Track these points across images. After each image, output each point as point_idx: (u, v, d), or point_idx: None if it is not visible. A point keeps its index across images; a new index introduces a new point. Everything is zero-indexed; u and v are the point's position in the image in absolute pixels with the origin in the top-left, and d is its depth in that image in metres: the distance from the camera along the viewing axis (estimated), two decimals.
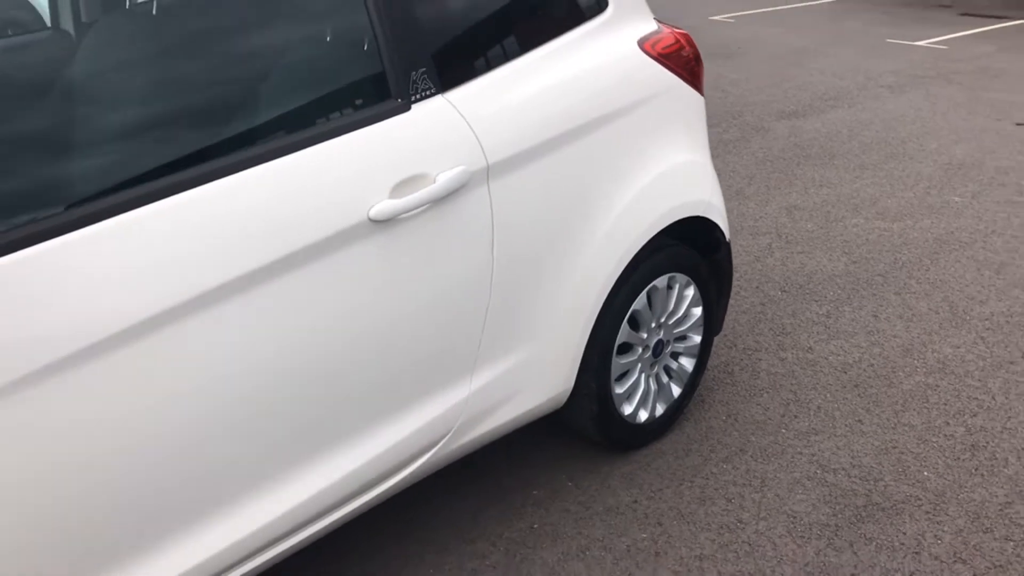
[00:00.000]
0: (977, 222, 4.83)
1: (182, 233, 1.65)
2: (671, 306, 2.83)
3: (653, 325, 2.79)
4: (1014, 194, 5.26)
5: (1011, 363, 3.43)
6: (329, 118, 1.91)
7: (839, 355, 3.48)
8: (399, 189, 1.96)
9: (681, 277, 2.82)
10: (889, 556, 2.48)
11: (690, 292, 2.89)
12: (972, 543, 2.52)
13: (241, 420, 1.79)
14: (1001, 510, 2.65)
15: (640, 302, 2.69)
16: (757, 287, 4.06)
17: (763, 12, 11.75)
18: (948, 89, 7.80)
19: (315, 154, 1.85)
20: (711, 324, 3.01)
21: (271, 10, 1.87)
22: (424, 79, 2.07)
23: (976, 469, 2.83)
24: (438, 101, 2.09)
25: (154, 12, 1.77)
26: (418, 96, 2.06)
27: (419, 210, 2.00)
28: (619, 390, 2.75)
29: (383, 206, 1.92)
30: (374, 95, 1.99)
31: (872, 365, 3.42)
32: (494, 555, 2.48)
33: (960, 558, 2.47)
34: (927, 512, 2.65)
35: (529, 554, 2.48)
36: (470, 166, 2.09)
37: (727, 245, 2.97)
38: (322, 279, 1.85)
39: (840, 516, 2.63)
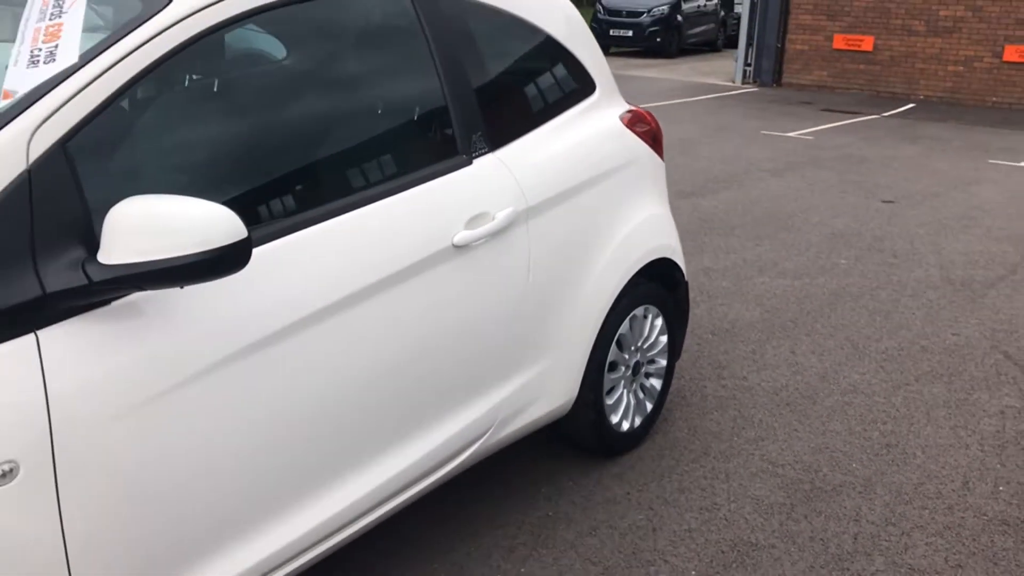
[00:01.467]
0: (862, 279, 5.65)
1: (334, 249, 2.16)
2: (645, 332, 3.43)
3: (633, 348, 3.38)
4: (889, 257, 6.13)
5: (907, 384, 4.15)
6: (420, 169, 2.46)
7: (769, 382, 4.14)
8: (471, 223, 2.52)
9: (652, 308, 3.43)
10: (836, 523, 3.08)
11: (659, 322, 3.50)
12: (898, 511, 3.16)
13: (365, 402, 2.27)
14: (916, 488, 3.31)
15: (625, 327, 3.28)
16: (691, 331, 4.71)
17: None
18: (821, 173, 8.83)
19: (413, 195, 2.39)
20: (674, 350, 3.62)
21: (386, 90, 2.43)
22: (480, 140, 2.65)
23: (892, 461, 3.50)
24: (490, 157, 2.67)
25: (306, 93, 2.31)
26: (476, 153, 2.63)
27: (483, 240, 2.55)
28: (609, 401, 3.31)
29: (462, 235, 2.47)
30: (448, 152, 2.56)
31: (797, 389, 4.09)
32: (521, 535, 2.98)
33: (890, 522, 3.10)
34: (860, 492, 3.28)
35: (550, 534, 2.99)
36: (516, 207, 2.66)
37: (685, 284, 3.60)
38: (420, 291, 2.37)
39: (793, 497, 3.23)
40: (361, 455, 2.31)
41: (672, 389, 3.97)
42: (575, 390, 3.11)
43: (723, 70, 17.79)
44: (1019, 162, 9.66)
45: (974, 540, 3.00)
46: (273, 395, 2.04)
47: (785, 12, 15.41)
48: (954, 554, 2.93)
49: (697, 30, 21.49)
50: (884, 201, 7.77)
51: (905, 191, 8.12)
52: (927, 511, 3.16)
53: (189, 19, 1.97)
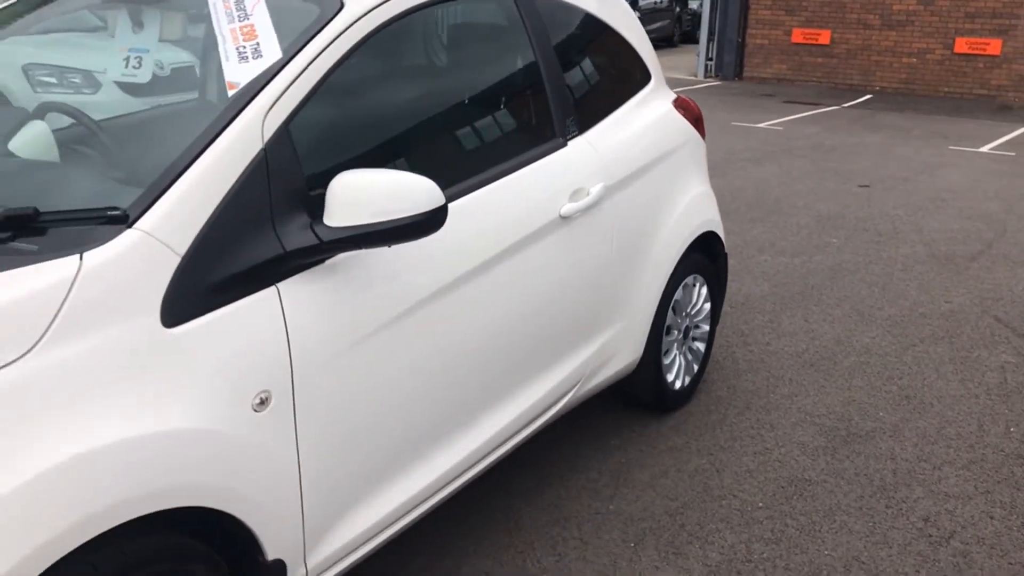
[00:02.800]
0: (855, 256, 6.09)
1: (481, 215, 2.49)
2: (694, 299, 3.81)
3: (684, 313, 3.75)
4: (875, 236, 6.58)
5: (914, 345, 4.58)
6: (532, 149, 2.80)
7: (791, 347, 4.54)
8: (572, 197, 2.87)
9: (699, 277, 3.80)
10: (875, 462, 3.48)
11: (704, 290, 3.87)
12: (926, 451, 3.57)
13: (503, 346, 2.62)
14: (938, 431, 3.73)
15: (679, 294, 3.65)
16: None
17: None
18: (796, 161, 9.29)
19: (532, 171, 2.73)
20: (715, 316, 4.00)
21: (504, 81, 2.77)
22: (572, 124, 2.99)
23: (913, 409, 3.91)
24: (580, 139, 3.02)
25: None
26: (570, 136, 2.98)
27: (581, 213, 2.90)
28: (666, 361, 3.68)
29: (567, 207, 2.81)
30: (550, 135, 2.90)
31: (817, 351, 4.49)
32: (602, 479, 3.33)
33: (921, 459, 3.51)
34: (890, 435, 3.69)
35: (627, 476, 3.35)
36: (605, 183, 3.02)
37: (725, 256, 3.98)
38: (537, 255, 2.72)
39: (833, 441, 3.63)
40: (501, 393, 2.65)
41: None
42: (640, 350, 3.46)
43: (684, 65, 18.28)
44: (978, 148, 10.22)
45: (996, 471, 3.42)
46: (445, 337, 2.38)
47: (745, 7, 15.93)
48: (982, 482, 3.34)
49: (654, 26, 21.96)
50: (860, 186, 8.24)
51: (877, 176, 8.61)
52: (952, 449, 3.57)
53: (362, 19, 2.29)
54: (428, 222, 2.04)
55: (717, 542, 2.96)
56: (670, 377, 3.72)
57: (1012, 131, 11.37)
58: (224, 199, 1.91)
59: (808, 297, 5.26)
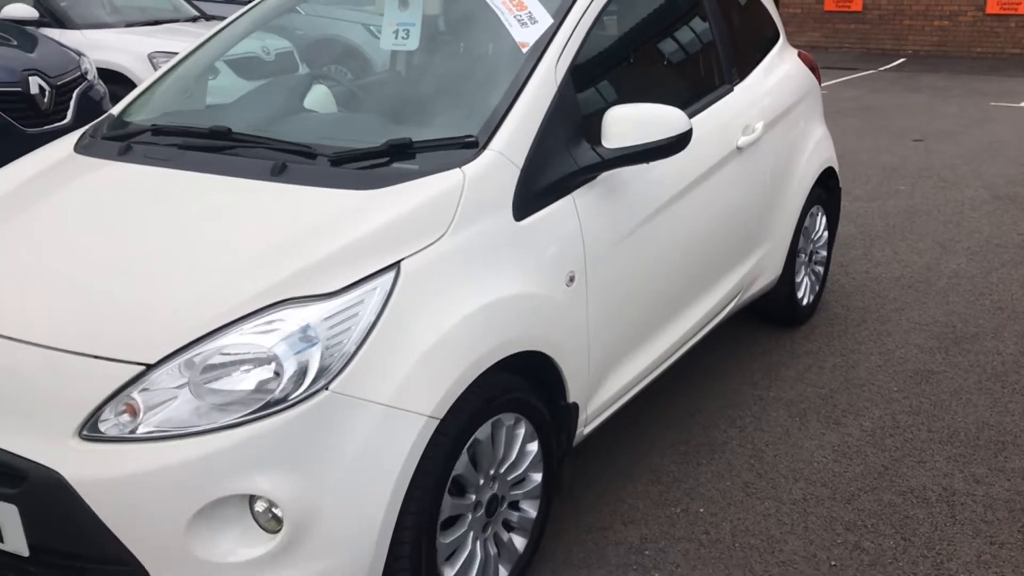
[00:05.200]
0: (924, 200, 6.69)
1: (693, 143, 3.11)
2: (817, 227, 4.42)
3: (810, 239, 4.37)
4: (938, 182, 7.17)
5: (996, 269, 5.19)
6: (712, 92, 3.43)
7: (888, 273, 5.16)
8: (744, 132, 3.49)
9: (820, 208, 4.42)
10: (984, 356, 4.10)
11: (823, 220, 4.49)
12: (1020, 351, 4.18)
13: (703, 249, 3.26)
14: None
15: (807, 221, 4.26)
16: None
17: None
18: (848, 120, 9.86)
19: (715, 110, 3.35)
20: (831, 243, 4.62)
21: (691, 38, 3.40)
22: (734, 73, 3.61)
23: (1007, 317, 4.52)
24: (741, 85, 3.63)
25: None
26: (734, 82, 3.60)
27: (750, 145, 3.52)
28: (797, 279, 4.30)
29: (743, 139, 3.44)
30: (724, 81, 3.53)
31: (912, 276, 5.10)
32: (756, 376, 3.95)
33: (1022, 353, 4.12)
34: (992, 336, 4.30)
35: (777, 373, 3.97)
36: (764, 121, 3.64)
37: (839, 190, 4.60)
38: (722, 179, 3.33)
39: (944, 342, 4.24)
40: (701, 287, 3.30)
41: None
42: (780, 269, 4.08)
43: None
44: (1019, 103, 10.75)
45: None
46: (672, 237, 3.02)
47: None
48: None
49: None
50: (915, 140, 8.81)
51: (928, 131, 9.18)
52: None
53: None
54: (679, 143, 2.66)
55: (867, 415, 3.59)
56: (800, 294, 4.34)
57: None
58: (539, 127, 2.55)
59: (892, 234, 5.86)
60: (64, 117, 6.27)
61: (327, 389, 2.00)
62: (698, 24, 3.50)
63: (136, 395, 1.97)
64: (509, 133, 2.47)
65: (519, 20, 2.81)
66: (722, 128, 3.34)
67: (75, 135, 3.01)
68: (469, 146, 2.45)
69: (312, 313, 2.04)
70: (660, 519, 2.95)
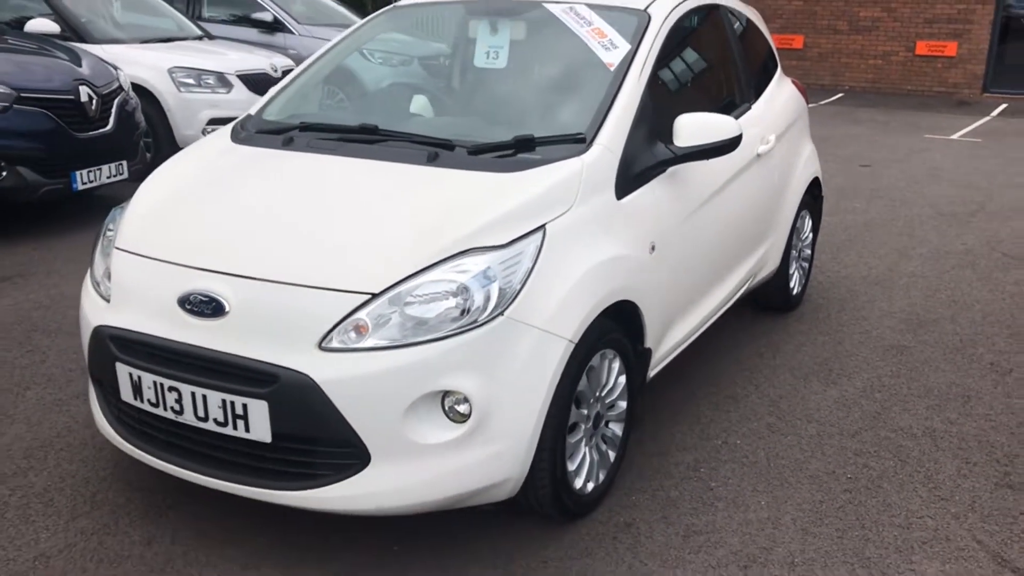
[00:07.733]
0: (879, 215, 7.58)
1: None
2: (805, 227, 5.22)
3: (799, 238, 5.16)
4: (888, 202, 8.09)
5: (947, 271, 6.05)
6: (737, 108, 4.20)
7: (857, 273, 5.98)
8: (762, 142, 4.26)
9: (807, 211, 5.23)
10: (946, 336, 4.91)
11: (809, 222, 5.29)
12: (978, 330, 5.01)
13: (734, 234, 4.00)
14: (983, 319, 5.18)
15: (799, 222, 5.06)
16: None
17: None
18: None
19: (743, 121, 4.12)
20: (814, 243, 5.42)
21: (722, 66, 4.16)
22: (752, 93, 4.40)
23: (960, 308, 5.36)
24: (756, 103, 4.42)
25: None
26: (752, 101, 4.38)
27: (766, 153, 4.30)
28: (790, 271, 5.09)
29: (762, 148, 4.21)
30: (745, 99, 4.30)
31: (877, 275, 5.93)
32: (761, 349, 4.72)
33: (977, 334, 4.95)
34: (949, 321, 5.13)
35: (778, 347, 4.73)
36: (776, 133, 4.42)
37: (822, 197, 5.42)
38: (746, 180, 4.10)
39: (910, 326, 5.06)
40: (729, 266, 4.04)
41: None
42: (779, 260, 4.86)
43: None
44: (949, 136, 11.84)
45: None
46: (717, 222, 3.76)
47: None
48: (1022, 344, 4.80)
49: None
50: (862, 165, 9.76)
51: (873, 159, 10.15)
52: (995, 329, 5.03)
53: (664, 22, 3.66)
54: (732, 144, 3.40)
55: (858, 377, 4.37)
56: (791, 284, 5.13)
57: (974, 122, 13.05)
58: (630, 128, 3.27)
59: (855, 242, 6.72)
60: (107, 124, 6.82)
61: (503, 315, 2.68)
62: (728, 52, 4.27)
63: (364, 316, 2.62)
64: (610, 131, 3.19)
65: (603, 45, 3.54)
66: (748, 139, 4.10)
67: (220, 133, 3.61)
68: (579, 141, 3.16)
69: (491, 259, 2.72)
70: (706, 448, 3.66)
